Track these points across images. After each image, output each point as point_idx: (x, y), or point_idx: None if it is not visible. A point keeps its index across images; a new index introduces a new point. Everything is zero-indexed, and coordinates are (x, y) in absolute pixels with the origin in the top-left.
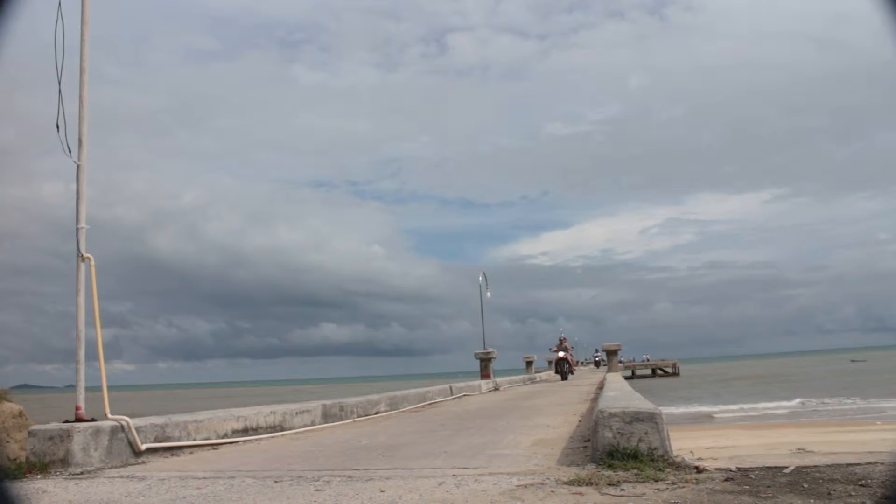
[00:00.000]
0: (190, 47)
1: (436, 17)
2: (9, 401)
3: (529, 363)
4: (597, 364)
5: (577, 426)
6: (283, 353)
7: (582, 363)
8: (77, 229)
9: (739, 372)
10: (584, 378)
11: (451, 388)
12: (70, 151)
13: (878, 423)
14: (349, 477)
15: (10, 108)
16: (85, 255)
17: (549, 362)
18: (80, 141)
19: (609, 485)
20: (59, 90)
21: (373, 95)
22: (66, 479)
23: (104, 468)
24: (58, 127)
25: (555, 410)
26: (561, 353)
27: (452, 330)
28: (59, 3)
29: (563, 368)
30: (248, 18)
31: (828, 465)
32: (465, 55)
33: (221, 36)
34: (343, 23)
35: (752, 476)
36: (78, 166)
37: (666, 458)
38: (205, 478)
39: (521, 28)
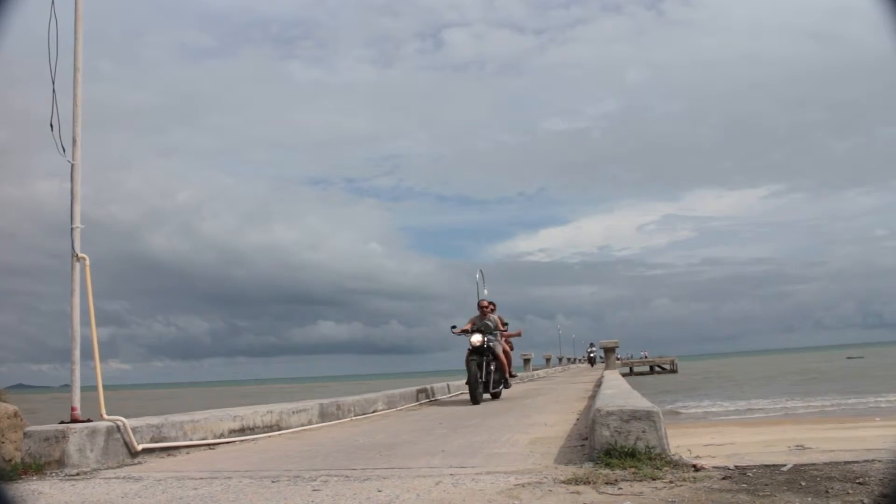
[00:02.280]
0: (184, 44)
1: (432, 13)
2: (4, 401)
3: (527, 361)
4: (591, 361)
5: (575, 424)
6: (282, 352)
7: (579, 360)
8: (72, 229)
9: (744, 370)
10: (583, 376)
11: (448, 385)
12: (64, 151)
13: (877, 419)
14: (346, 476)
15: (5, 105)
16: (80, 255)
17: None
18: (74, 140)
19: (607, 483)
20: (53, 89)
21: (369, 92)
22: (61, 480)
23: (100, 469)
24: (52, 126)
25: (552, 408)
26: (476, 338)
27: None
28: (53, 2)
29: (477, 370)
30: (242, 15)
31: (826, 463)
32: (462, 51)
33: (216, 32)
34: (338, 19)
35: (749, 474)
36: (72, 165)
37: (664, 456)
38: (201, 478)
39: (518, 23)
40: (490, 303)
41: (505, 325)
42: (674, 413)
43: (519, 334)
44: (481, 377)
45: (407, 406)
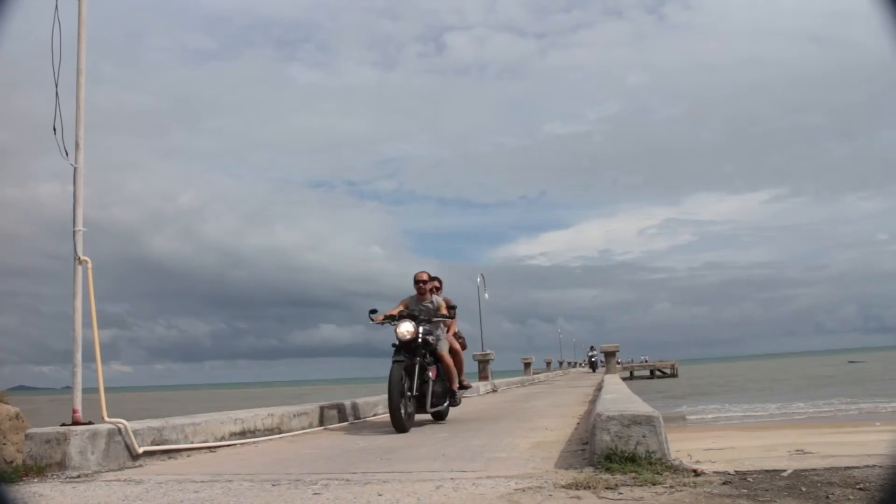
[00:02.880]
0: (186, 47)
1: (433, 16)
2: (5, 403)
3: (528, 364)
4: (592, 366)
5: (576, 429)
6: (283, 354)
7: (580, 364)
8: (74, 232)
9: (745, 374)
10: (584, 380)
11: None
12: (67, 154)
13: (878, 423)
14: (347, 480)
15: (8, 107)
16: (82, 258)
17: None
18: (76, 144)
19: (607, 488)
20: (56, 93)
21: (370, 95)
22: (62, 482)
23: (101, 471)
24: (55, 129)
25: (553, 413)
26: (405, 329)
27: None
28: (56, 6)
29: (403, 378)
30: (243, 17)
31: (826, 469)
32: (463, 54)
33: (217, 35)
34: (340, 22)
35: (749, 479)
36: (75, 169)
37: (664, 461)
38: (202, 481)
39: (519, 27)
40: (433, 277)
41: (452, 309)
42: (678, 417)
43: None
44: (411, 388)
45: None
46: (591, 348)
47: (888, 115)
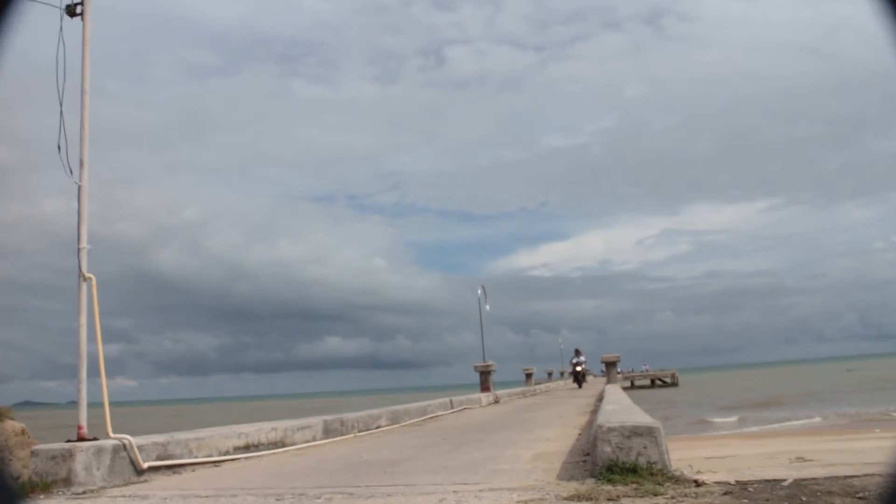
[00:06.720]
0: (190, 63)
1: (433, 30)
2: (11, 419)
3: (529, 375)
4: (577, 378)
5: (577, 439)
6: (288, 368)
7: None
8: (78, 250)
9: (745, 382)
10: (583, 390)
11: (451, 401)
12: (72, 172)
13: (877, 430)
14: (350, 494)
15: (16, 125)
16: (87, 275)
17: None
18: (81, 162)
19: (608, 500)
20: (61, 112)
21: (372, 109)
22: (68, 498)
23: (106, 487)
24: (59, 148)
25: (554, 423)
26: None
27: (456, 341)
28: (61, 27)
29: None
30: (246, 34)
31: (826, 478)
32: (463, 67)
33: (221, 51)
34: (342, 37)
35: (750, 489)
36: (79, 187)
37: (665, 471)
38: (207, 496)
39: (519, 40)
40: None
41: None
42: (675, 419)
43: None
44: None
45: (411, 421)
46: (577, 353)
47: (880, 125)
